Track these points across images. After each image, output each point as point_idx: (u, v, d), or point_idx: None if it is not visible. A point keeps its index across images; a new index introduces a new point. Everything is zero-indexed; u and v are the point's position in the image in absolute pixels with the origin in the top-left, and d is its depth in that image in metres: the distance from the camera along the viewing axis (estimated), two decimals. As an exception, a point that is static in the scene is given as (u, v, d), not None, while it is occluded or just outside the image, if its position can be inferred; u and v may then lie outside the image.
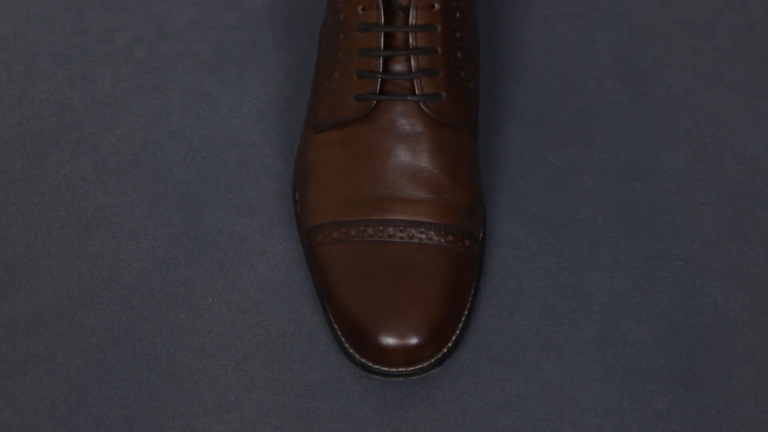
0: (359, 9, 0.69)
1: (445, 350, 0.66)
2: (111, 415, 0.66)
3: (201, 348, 0.69)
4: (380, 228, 0.67)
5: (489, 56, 0.80)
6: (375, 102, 0.69)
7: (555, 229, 0.73)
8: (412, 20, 0.68)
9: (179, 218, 0.73)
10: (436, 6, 0.68)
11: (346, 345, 0.66)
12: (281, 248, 0.72)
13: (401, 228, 0.67)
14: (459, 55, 0.70)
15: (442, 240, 0.67)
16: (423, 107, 0.68)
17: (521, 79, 0.79)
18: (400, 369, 0.65)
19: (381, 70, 0.68)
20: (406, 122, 0.69)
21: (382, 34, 0.68)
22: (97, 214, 0.73)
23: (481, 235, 0.70)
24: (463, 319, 0.68)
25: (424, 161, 0.69)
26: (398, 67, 0.69)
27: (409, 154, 0.69)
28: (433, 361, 0.66)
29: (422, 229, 0.67)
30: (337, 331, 0.67)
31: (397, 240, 0.67)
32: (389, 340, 0.64)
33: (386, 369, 0.66)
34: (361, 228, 0.67)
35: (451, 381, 0.68)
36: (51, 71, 0.79)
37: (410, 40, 0.68)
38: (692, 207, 0.74)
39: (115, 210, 0.73)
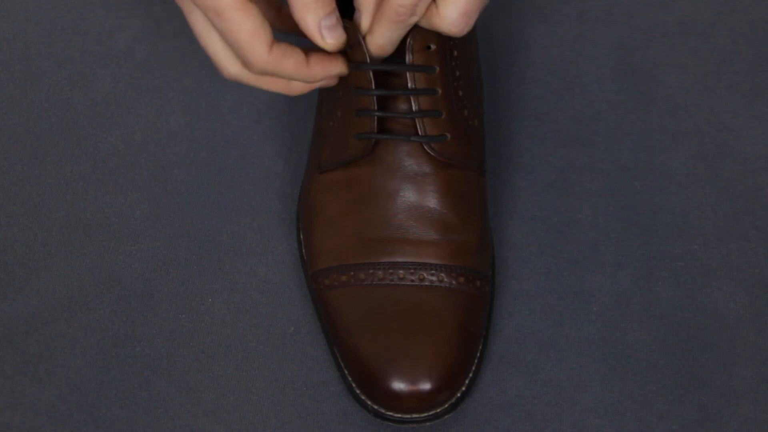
0: (346, 48, 0.65)
1: (458, 395, 0.64)
2: (111, 415, 0.66)
3: (201, 348, 0.69)
4: (390, 271, 0.65)
5: (489, 56, 0.80)
6: (375, 141, 0.66)
7: (555, 229, 0.73)
8: (408, 61, 0.65)
9: (179, 218, 0.73)
10: (433, 47, 0.65)
11: (357, 391, 0.64)
12: (281, 249, 0.72)
13: (411, 270, 0.65)
14: (460, 93, 0.67)
15: (454, 282, 0.65)
16: (427, 149, 0.66)
17: (521, 79, 0.79)
18: (414, 415, 0.63)
19: (376, 108, 0.66)
20: (412, 162, 0.67)
21: (371, 72, 0.65)
22: (96, 214, 0.73)
23: (491, 272, 0.69)
24: (476, 361, 0.66)
25: (432, 201, 0.67)
26: (399, 105, 0.66)
27: (417, 195, 0.67)
28: (447, 406, 0.64)
29: (433, 272, 0.65)
30: (348, 376, 0.65)
31: (407, 283, 0.65)
32: (401, 386, 0.62)
33: (399, 416, 0.63)
34: (371, 271, 0.65)
35: (451, 381, 0.68)
36: (51, 71, 0.79)
37: (409, 82, 0.66)
38: (692, 207, 0.73)
39: (115, 210, 0.73)
